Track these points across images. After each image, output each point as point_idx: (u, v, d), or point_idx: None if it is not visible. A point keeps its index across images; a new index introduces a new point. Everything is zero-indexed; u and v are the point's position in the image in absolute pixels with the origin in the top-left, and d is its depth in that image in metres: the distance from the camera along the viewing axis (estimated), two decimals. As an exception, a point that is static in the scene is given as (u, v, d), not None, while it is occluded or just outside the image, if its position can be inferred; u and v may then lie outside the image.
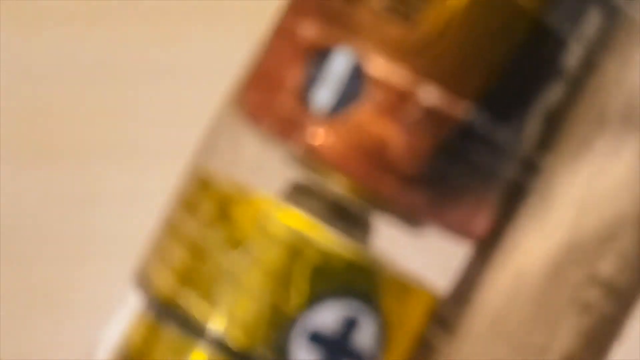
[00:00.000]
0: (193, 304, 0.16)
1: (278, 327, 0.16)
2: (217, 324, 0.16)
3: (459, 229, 0.17)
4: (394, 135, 0.16)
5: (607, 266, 0.16)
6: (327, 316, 0.16)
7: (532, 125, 0.17)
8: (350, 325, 0.16)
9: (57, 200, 0.45)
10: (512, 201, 0.17)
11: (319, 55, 0.16)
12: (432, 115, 0.16)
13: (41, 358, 0.43)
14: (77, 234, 0.45)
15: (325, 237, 0.16)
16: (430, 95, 0.16)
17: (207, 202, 0.17)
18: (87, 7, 0.45)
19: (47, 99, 0.45)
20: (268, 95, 0.17)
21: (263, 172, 0.18)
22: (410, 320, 0.17)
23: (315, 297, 0.16)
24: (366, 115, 0.16)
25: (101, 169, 0.46)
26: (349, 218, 0.17)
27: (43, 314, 0.44)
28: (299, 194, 0.17)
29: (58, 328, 0.45)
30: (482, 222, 0.17)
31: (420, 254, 0.18)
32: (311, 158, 0.16)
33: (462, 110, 0.16)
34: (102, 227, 0.45)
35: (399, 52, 0.16)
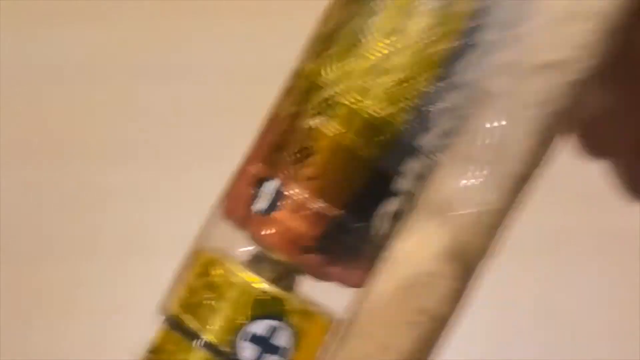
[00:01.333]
0: (190, 321, 0.29)
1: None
2: (205, 334, 0.29)
3: (342, 281, 0.30)
4: (298, 227, 0.29)
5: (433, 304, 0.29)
6: (261, 327, 0.29)
7: (381, 219, 0.29)
8: (273, 332, 0.29)
9: (56, 199, 0.45)
10: (377, 256, 0.30)
11: (259, 183, 0.29)
12: (318, 215, 0.29)
13: (42, 358, 0.44)
14: (77, 233, 0.45)
15: (263, 284, 0.29)
16: (317, 204, 0.29)
17: (197, 265, 0.30)
18: (87, 7, 0.44)
19: (47, 99, 0.44)
20: (233, 204, 0.30)
21: (235, 245, 0.31)
22: (314, 332, 0.29)
23: (255, 316, 0.29)
24: (284, 216, 0.29)
25: (101, 168, 0.44)
26: (282, 272, 0.30)
27: (42, 314, 0.45)
28: (255, 258, 0.30)
29: (60, 327, 0.45)
30: (357, 276, 0.30)
31: (324, 292, 0.30)
32: (257, 240, 0.29)
33: (335, 213, 0.29)
34: (101, 226, 0.45)
35: (301, 182, 0.29)
